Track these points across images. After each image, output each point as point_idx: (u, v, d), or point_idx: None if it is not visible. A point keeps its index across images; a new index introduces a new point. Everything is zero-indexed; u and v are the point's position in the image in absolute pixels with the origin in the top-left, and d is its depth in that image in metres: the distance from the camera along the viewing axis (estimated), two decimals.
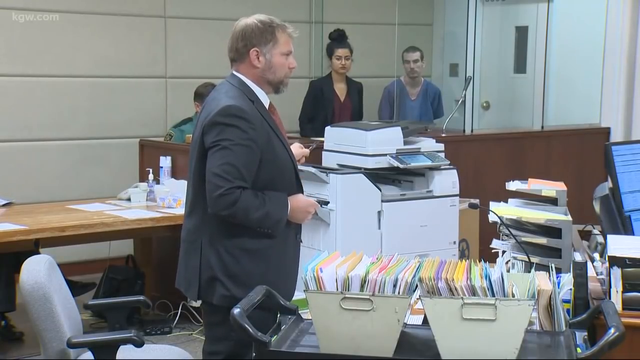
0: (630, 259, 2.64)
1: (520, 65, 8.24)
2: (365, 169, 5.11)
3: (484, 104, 8.30)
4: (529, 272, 2.33)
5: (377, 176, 5.18)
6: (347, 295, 2.24)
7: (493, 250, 3.27)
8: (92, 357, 3.08)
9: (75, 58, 6.60)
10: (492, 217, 3.23)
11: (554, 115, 7.69)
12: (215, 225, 3.08)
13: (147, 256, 5.81)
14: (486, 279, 2.20)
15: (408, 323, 2.48)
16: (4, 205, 5.27)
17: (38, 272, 3.09)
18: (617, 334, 2.15)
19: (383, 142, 5.14)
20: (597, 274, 2.97)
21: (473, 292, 2.19)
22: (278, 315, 2.56)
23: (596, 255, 3.25)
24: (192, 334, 5.32)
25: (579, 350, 2.24)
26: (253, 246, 3.09)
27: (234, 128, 3.01)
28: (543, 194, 3.54)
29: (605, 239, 3.02)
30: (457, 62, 8.06)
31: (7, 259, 4.89)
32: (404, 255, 2.43)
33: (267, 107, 3.18)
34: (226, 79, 3.21)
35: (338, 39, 6.81)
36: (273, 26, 3.17)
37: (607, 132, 7.16)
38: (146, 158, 6.04)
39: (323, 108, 6.76)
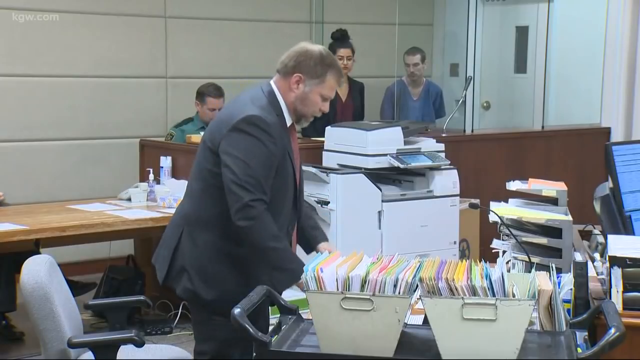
0: (631, 259, 2.64)
1: (520, 65, 8.24)
2: (366, 169, 5.11)
3: (485, 104, 8.30)
4: (530, 272, 2.33)
5: (378, 176, 5.18)
6: (347, 295, 2.24)
7: (493, 250, 3.27)
8: (93, 357, 3.08)
9: (75, 58, 6.60)
10: (492, 217, 3.23)
11: (554, 115, 7.69)
12: (204, 219, 3.08)
13: (147, 256, 5.75)
14: (486, 279, 2.20)
15: (408, 323, 2.48)
16: None
17: (39, 272, 3.09)
18: (617, 334, 2.15)
19: (383, 142, 5.14)
20: (598, 274, 2.97)
21: (473, 292, 2.19)
22: (269, 310, 2.54)
23: (597, 255, 3.25)
24: (192, 334, 5.30)
25: (579, 350, 2.24)
26: (233, 251, 3.07)
27: (255, 139, 2.97)
28: (543, 194, 3.54)
29: (605, 239, 3.02)
30: (457, 62, 8.06)
31: (8, 259, 4.89)
32: (405, 255, 2.43)
33: (288, 125, 3.13)
34: (260, 85, 3.15)
35: (340, 39, 6.79)
36: (329, 67, 3.09)
37: (607, 132, 7.15)
38: (146, 158, 6.04)
39: None
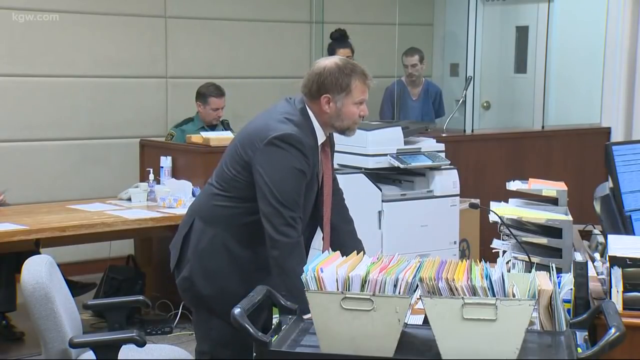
0: (631, 259, 2.64)
1: (520, 65, 8.24)
2: (366, 169, 5.11)
3: (485, 104, 8.31)
4: (530, 272, 2.33)
5: (378, 176, 5.18)
6: (347, 295, 2.25)
7: (493, 250, 3.27)
8: (94, 357, 3.08)
9: (75, 58, 6.60)
10: (492, 217, 3.23)
11: (554, 115, 7.69)
12: (215, 216, 3.10)
13: (147, 256, 5.81)
14: (487, 278, 2.20)
15: (408, 323, 2.49)
16: None
17: (39, 273, 3.09)
18: (617, 334, 2.15)
19: (383, 142, 5.14)
20: (598, 274, 2.97)
21: (474, 292, 2.19)
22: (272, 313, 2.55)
23: (597, 255, 3.25)
24: (192, 334, 5.30)
25: (579, 350, 2.24)
26: (236, 251, 3.09)
27: (291, 156, 2.97)
28: (543, 193, 3.54)
29: (605, 238, 3.02)
30: (457, 62, 8.06)
31: (8, 259, 4.89)
32: (405, 255, 2.43)
33: (320, 142, 3.14)
34: (294, 99, 3.14)
35: (339, 38, 6.81)
36: (350, 75, 3.09)
37: (607, 132, 7.16)
38: (147, 158, 6.04)
39: None
